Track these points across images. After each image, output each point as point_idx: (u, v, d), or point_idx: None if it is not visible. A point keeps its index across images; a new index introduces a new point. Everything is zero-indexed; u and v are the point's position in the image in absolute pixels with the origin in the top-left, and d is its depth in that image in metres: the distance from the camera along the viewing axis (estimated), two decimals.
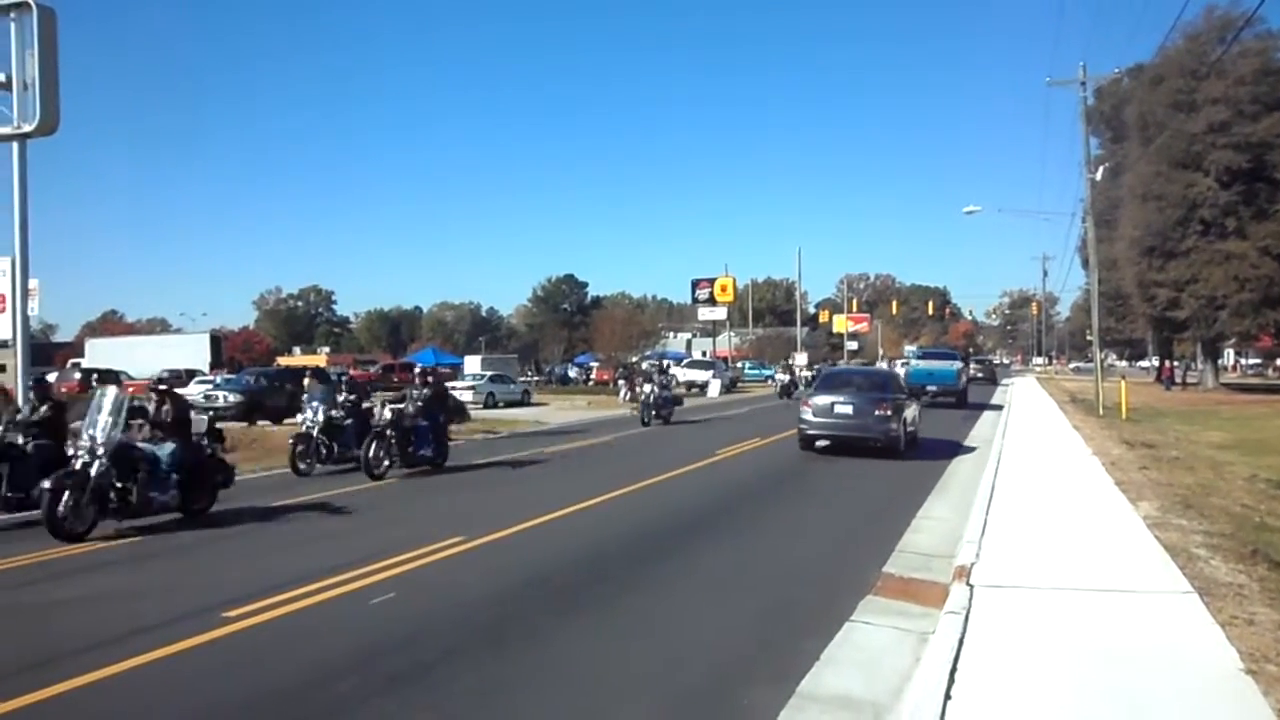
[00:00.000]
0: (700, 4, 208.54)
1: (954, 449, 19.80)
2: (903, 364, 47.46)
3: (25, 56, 17.33)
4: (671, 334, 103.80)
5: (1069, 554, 8.51)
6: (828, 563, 9.15)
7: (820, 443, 18.88)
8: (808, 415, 19.00)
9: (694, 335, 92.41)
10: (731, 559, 9.36)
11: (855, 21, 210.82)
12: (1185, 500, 11.58)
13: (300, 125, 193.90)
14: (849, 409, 18.62)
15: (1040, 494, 12.27)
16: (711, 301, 69.64)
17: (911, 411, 20.16)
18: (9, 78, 17.17)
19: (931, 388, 33.99)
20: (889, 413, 18.28)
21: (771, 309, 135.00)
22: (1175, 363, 61.62)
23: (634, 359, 56.78)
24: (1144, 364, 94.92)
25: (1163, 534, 9.26)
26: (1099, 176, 33.71)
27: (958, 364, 37.87)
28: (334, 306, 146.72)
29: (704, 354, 65.67)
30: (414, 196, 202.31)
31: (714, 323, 73.08)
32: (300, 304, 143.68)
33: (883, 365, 57.98)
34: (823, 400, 19.03)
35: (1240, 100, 41.31)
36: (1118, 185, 48.53)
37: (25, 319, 18.34)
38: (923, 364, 38.02)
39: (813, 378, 29.67)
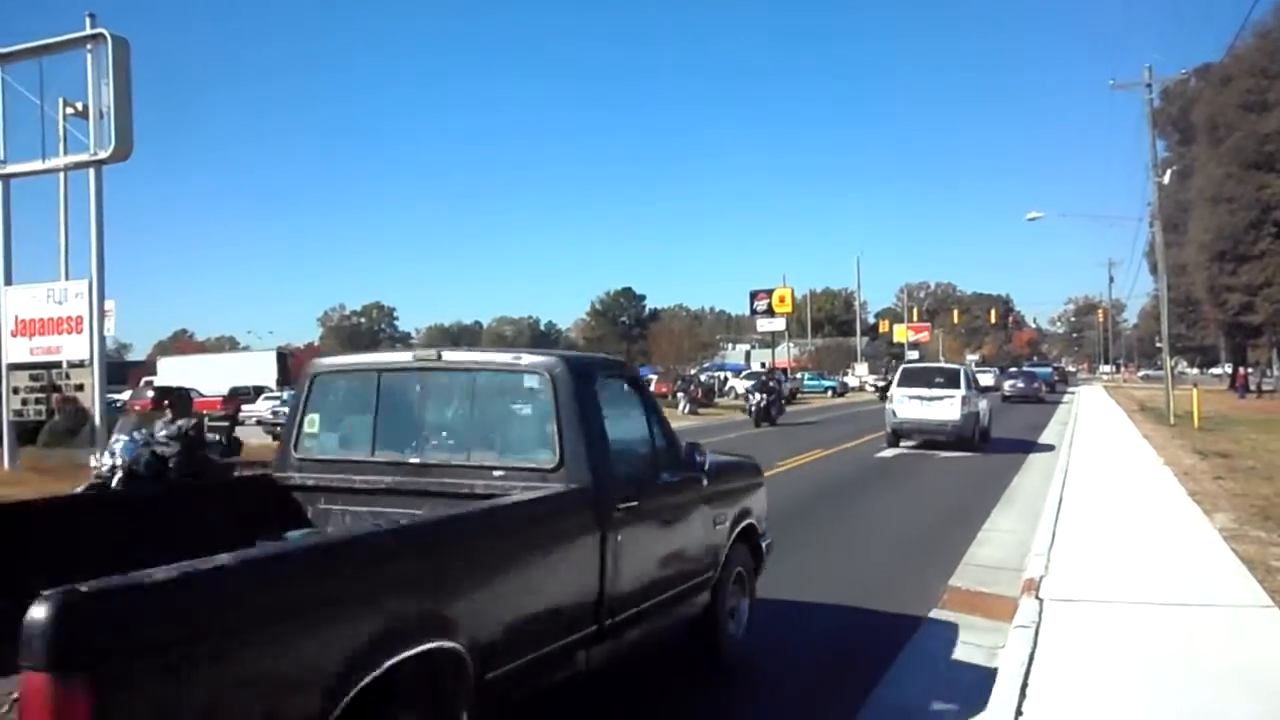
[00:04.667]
0: (756, 16, 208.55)
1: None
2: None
3: (100, 86, 17.89)
4: (730, 345, 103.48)
5: (1141, 566, 8.31)
6: (893, 575, 9.04)
7: (1009, 399, 46.00)
8: (1005, 387, 48.20)
9: (753, 347, 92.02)
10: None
11: (912, 26, 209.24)
12: (1263, 511, 11.23)
13: (364, 146, 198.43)
14: (1021, 384, 49.30)
15: (1110, 505, 12.01)
16: (770, 313, 69.19)
17: (1044, 385, 52.67)
18: (85, 106, 17.73)
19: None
20: (1039, 385, 50.69)
21: (830, 319, 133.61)
22: (1250, 369, 59.89)
23: (693, 371, 56.67)
24: (1216, 371, 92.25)
25: (1240, 546, 9.00)
26: (1166, 180, 32.95)
27: (1050, 369, 74.27)
28: (396, 322, 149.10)
29: (763, 365, 65.30)
30: (474, 213, 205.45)
31: (773, 334, 72.67)
32: (363, 320, 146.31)
33: None
34: (1008, 381, 49.94)
35: None
36: (1186, 188, 47.46)
37: (102, 339, 18.89)
38: (1036, 370, 62.84)
39: (1001, 372, 59.00)
